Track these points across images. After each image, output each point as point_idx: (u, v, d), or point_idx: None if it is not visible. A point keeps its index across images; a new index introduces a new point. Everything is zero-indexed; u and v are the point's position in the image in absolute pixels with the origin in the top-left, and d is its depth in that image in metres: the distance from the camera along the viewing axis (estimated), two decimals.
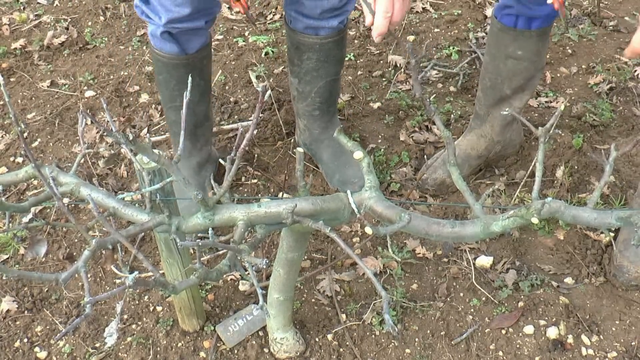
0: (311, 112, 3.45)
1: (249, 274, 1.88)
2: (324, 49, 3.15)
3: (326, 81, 3.29)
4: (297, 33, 3.14)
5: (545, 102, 4.06)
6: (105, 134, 3.21)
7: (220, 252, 3.24)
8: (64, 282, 1.66)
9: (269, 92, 1.71)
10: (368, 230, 1.78)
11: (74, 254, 3.31)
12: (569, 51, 4.49)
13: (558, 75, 4.30)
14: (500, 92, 3.29)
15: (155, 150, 1.82)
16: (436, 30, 4.72)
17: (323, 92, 3.34)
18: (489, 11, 4.84)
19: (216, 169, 3.58)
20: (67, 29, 4.83)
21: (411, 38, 4.60)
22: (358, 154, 1.99)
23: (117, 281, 3.21)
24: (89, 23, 4.92)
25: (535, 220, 1.83)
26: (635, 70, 4.26)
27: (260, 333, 2.99)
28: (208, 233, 1.86)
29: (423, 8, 4.88)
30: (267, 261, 1.73)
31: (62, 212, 3.45)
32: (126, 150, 2.07)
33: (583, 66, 4.36)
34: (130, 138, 1.71)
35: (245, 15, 2.86)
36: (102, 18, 4.95)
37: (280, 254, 2.47)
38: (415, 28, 4.73)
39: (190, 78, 1.93)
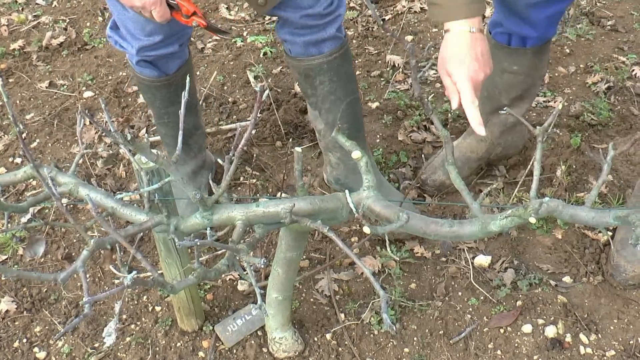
0: None
1: (247, 273, 1.89)
2: (332, 67, 3.02)
3: (347, 103, 3.13)
4: (301, 60, 3.01)
5: (544, 101, 4.07)
6: (103, 134, 3.21)
7: (219, 252, 3.24)
8: (63, 282, 1.66)
9: (267, 92, 1.72)
10: (366, 229, 1.78)
11: (73, 254, 3.32)
12: (567, 51, 4.49)
13: (556, 74, 4.30)
14: (497, 102, 3.29)
15: (154, 150, 1.83)
16: (434, 30, 4.73)
17: (347, 115, 3.17)
18: (487, 11, 4.84)
19: (213, 173, 3.57)
20: (65, 29, 4.84)
21: (409, 38, 4.60)
22: (356, 154, 1.99)
23: (116, 281, 3.21)
24: (88, 24, 4.93)
25: (533, 219, 1.84)
26: (633, 70, 4.26)
27: (259, 333, 2.99)
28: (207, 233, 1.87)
29: (421, 8, 4.89)
30: (266, 260, 1.73)
31: (61, 213, 3.45)
32: (125, 150, 2.08)
33: (581, 66, 4.37)
34: (129, 138, 1.71)
35: (208, 30, 2.78)
36: (100, 19, 4.96)
37: (278, 254, 2.47)
38: (414, 28, 4.74)
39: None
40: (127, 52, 2.96)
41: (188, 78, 2.22)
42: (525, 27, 2.97)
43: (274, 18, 4.79)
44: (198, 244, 1.68)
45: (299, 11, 2.79)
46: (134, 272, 1.55)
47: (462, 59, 2.28)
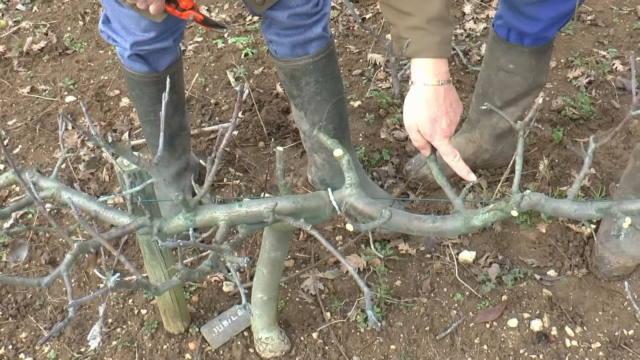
0: None
1: (231, 274, 1.89)
2: (318, 68, 3.01)
3: (333, 103, 3.12)
4: (287, 60, 3.00)
5: None
6: (86, 138, 3.21)
7: (204, 254, 3.24)
8: (47, 286, 1.66)
9: (246, 92, 1.72)
10: (349, 227, 1.78)
11: (57, 258, 3.31)
12: None
13: None
14: (490, 102, 3.26)
15: (135, 153, 1.83)
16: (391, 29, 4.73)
17: (333, 116, 3.17)
18: (467, 8, 4.86)
19: (197, 175, 3.57)
20: (46, 34, 4.83)
21: (390, 36, 4.61)
22: (338, 152, 1.99)
23: (102, 285, 3.20)
24: (68, 28, 4.92)
25: (514, 213, 1.84)
26: (614, 64, 4.28)
27: (245, 333, 2.99)
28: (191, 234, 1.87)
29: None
30: (249, 260, 1.73)
31: (44, 217, 3.45)
32: (107, 153, 2.07)
33: (562, 60, 4.38)
34: (110, 141, 1.71)
35: (203, 24, 2.76)
36: (81, 23, 4.95)
37: (263, 254, 2.47)
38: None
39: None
40: (120, 46, 2.95)
41: (169, 79, 2.23)
42: (524, 22, 2.96)
43: (255, 18, 4.80)
44: (181, 245, 1.68)
45: (287, 10, 2.79)
46: (117, 274, 1.55)
47: (433, 117, 2.22)
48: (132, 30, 2.82)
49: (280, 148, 2.00)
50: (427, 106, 2.22)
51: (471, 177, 2.24)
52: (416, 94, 2.24)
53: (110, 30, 2.91)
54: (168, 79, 2.20)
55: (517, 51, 3.08)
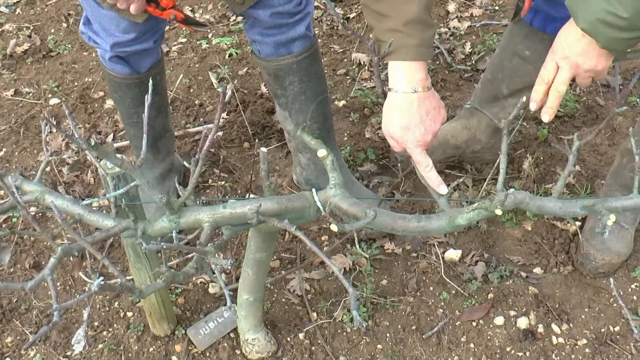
0: None
1: (216, 275, 1.89)
2: (302, 67, 3.00)
3: (317, 103, 3.12)
4: (270, 60, 2.98)
5: None
6: (69, 140, 3.20)
7: (190, 256, 3.23)
8: (31, 290, 1.66)
9: (229, 92, 1.71)
10: (333, 227, 1.78)
11: (42, 262, 3.30)
12: None
13: None
14: (497, 90, 3.27)
15: (119, 155, 1.82)
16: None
17: (318, 115, 3.16)
18: (451, 6, 4.86)
19: (181, 177, 3.56)
20: (29, 36, 4.81)
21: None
22: (322, 152, 1.99)
23: (87, 288, 3.20)
24: (52, 30, 4.90)
25: (499, 211, 1.85)
26: None
27: (232, 335, 2.99)
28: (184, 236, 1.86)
29: None
30: (233, 261, 1.73)
31: (29, 221, 3.43)
32: (90, 156, 2.07)
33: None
34: (92, 143, 1.71)
35: (184, 23, 2.76)
36: (64, 25, 4.93)
37: (248, 255, 2.47)
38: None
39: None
40: (100, 47, 2.94)
41: (152, 81, 2.23)
42: (552, 4, 2.93)
43: (239, 19, 4.79)
44: (164, 247, 1.68)
45: (269, 9, 2.78)
46: (101, 277, 1.54)
47: (405, 125, 2.20)
48: (112, 32, 2.81)
49: (264, 149, 2.00)
50: (399, 114, 2.20)
51: (442, 190, 2.17)
52: (391, 101, 2.23)
53: (91, 32, 2.90)
54: (150, 81, 2.19)
55: (538, 38, 3.02)
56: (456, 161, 3.58)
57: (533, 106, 2.28)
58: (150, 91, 1.98)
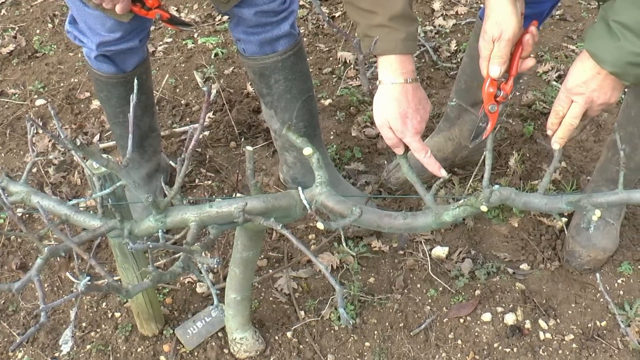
0: None
1: (203, 274, 1.89)
2: (287, 66, 3.01)
3: (302, 101, 3.12)
4: (255, 59, 2.99)
5: None
6: (55, 141, 3.19)
7: (177, 255, 3.23)
8: (17, 291, 1.66)
9: (214, 92, 1.72)
10: (319, 225, 1.78)
11: (29, 263, 3.29)
12: None
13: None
14: (474, 97, 3.27)
15: (104, 155, 1.82)
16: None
17: (303, 113, 3.16)
18: (436, 5, 4.88)
19: (167, 177, 3.56)
20: (15, 37, 4.80)
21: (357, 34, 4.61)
22: (307, 150, 2.00)
23: (75, 289, 3.19)
24: (37, 31, 4.89)
25: (484, 208, 1.85)
26: None
27: (220, 334, 2.99)
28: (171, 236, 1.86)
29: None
30: (219, 260, 1.73)
31: (16, 222, 3.42)
32: (77, 156, 2.07)
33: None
34: (78, 143, 1.71)
35: (170, 23, 2.76)
36: (50, 25, 4.92)
37: (235, 254, 2.47)
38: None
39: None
40: (86, 46, 2.94)
41: (137, 80, 2.23)
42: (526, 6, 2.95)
43: (225, 18, 4.79)
44: (150, 247, 1.68)
45: (254, 7, 2.78)
46: (87, 277, 1.54)
47: (404, 113, 2.23)
48: (97, 31, 2.81)
49: (249, 148, 2.00)
50: (397, 103, 2.23)
51: (442, 173, 2.25)
52: (385, 92, 2.25)
53: (77, 31, 2.90)
54: (136, 80, 2.19)
55: None
56: (447, 170, 3.58)
57: (556, 146, 2.28)
58: (135, 90, 1.98)
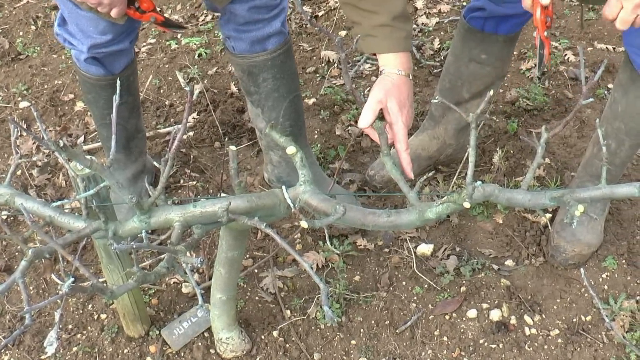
0: None
1: (187, 274, 1.89)
2: (276, 64, 3.01)
3: (289, 100, 3.13)
4: (245, 57, 2.99)
5: None
6: (38, 143, 3.18)
7: (162, 256, 3.23)
8: (2, 294, 1.65)
9: (196, 92, 1.72)
10: (303, 224, 1.79)
11: (14, 266, 3.29)
12: None
13: None
14: (458, 96, 3.30)
15: (88, 156, 1.82)
16: (353, 28, 4.74)
17: (290, 112, 3.16)
18: (419, 3, 4.89)
19: (153, 178, 3.56)
20: None
21: (343, 33, 4.62)
22: (291, 149, 2.00)
23: (60, 291, 3.19)
24: (20, 33, 4.88)
25: (467, 204, 1.86)
26: (566, 54, 4.33)
27: (206, 334, 2.98)
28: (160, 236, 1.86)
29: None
30: (202, 259, 1.73)
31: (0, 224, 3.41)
32: (60, 158, 2.07)
33: (515, 53, 4.40)
34: (61, 145, 1.71)
35: (164, 26, 2.77)
36: (33, 27, 4.91)
37: (220, 254, 2.47)
38: (347, 23, 4.75)
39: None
40: (76, 49, 2.93)
41: (124, 82, 2.23)
42: (499, 2, 2.98)
43: (208, 18, 4.80)
44: (134, 247, 1.68)
45: (247, 3, 2.79)
46: (71, 278, 1.54)
47: (402, 102, 2.28)
48: (89, 33, 2.80)
49: (232, 147, 2.00)
50: (398, 90, 2.29)
51: (411, 175, 2.29)
52: (389, 78, 2.31)
53: (67, 34, 2.90)
54: (119, 81, 2.19)
55: (492, 40, 3.12)
56: (431, 168, 3.60)
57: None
58: (118, 92, 1.98)
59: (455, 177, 3.44)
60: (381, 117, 2.28)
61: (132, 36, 2.96)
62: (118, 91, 1.99)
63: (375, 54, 2.41)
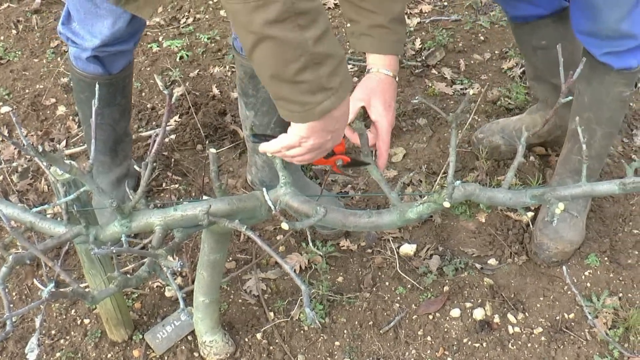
0: None
1: (168, 278, 1.89)
2: None
3: None
4: None
5: (461, 89, 4.10)
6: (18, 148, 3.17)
7: (145, 260, 3.22)
8: None
9: (175, 95, 1.72)
10: (284, 225, 1.79)
11: None
12: (482, 38, 4.55)
13: (472, 62, 4.35)
14: (548, 82, 3.35)
15: (67, 161, 1.82)
16: (349, 25, 4.74)
17: (282, 120, 3.04)
18: None
19: (136, 181, 3.55)
20: None
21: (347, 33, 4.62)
22: None
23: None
24: (1, 37, 4.86)
25: (447, 204, 1.87)
26: None
27: (190, 337, 2.98)
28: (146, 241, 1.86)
29: (335, 4, 4.90)
30: (182, 263, 1.74)
31: None
32: (40, 163, 2.06)
33: (496, 52, 4.43)
34: (40, 150, 1.70)
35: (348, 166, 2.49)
36: (14, 31, 4.89)
37: (202, 257, 2.47)
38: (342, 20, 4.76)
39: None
40: (79, 47, 2.93)
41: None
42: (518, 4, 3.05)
43: (189, 21, 4.79)
44: (114, 251, 1.68)
45: None
46: (52, 284, 1.54)
47: (389, 102, 2.30)
48: (102, 32, 2.82)
49: (213, 150, 2.00)
50: (384, 90, 2.30)
51: (382, 166, 2.30)
52: (377, 77, 2.33)
53: (70, 32, 2.90)
54: (98, 87, 2.18)
55: (542, 25, 3.13)
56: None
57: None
58: (97, 95, 1.98)
59: (439, 177, 3.44)
60: (363, 117, 2.28)
61: (137, 37, 2.99)
62: (97, 94, 1.99)
63: (364, 53, 2.42)
